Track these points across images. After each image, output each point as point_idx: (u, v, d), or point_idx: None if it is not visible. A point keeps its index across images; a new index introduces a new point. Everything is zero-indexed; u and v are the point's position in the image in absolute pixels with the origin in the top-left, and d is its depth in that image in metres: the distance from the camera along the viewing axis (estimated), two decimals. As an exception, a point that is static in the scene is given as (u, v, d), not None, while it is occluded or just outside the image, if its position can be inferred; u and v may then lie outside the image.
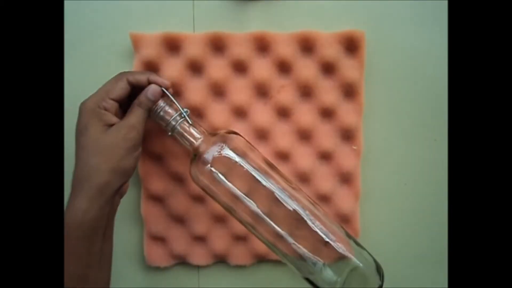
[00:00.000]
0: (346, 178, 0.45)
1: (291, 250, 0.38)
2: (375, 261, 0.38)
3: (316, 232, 0.38)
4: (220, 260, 0.46)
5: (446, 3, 0.43)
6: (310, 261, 0.37)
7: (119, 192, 0.38)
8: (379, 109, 0.46)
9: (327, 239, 0.38)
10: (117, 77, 0.38)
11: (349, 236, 0.39)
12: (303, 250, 0.37)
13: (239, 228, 0.45)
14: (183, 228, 0.46)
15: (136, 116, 0.37)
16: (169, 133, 0.39)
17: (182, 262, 0.46)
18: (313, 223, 0.38)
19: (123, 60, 0.44)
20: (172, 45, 0.43)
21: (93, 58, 0.45)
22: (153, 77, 0.38)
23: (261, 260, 0.46)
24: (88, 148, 0.35)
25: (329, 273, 0.37)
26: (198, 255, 0.46)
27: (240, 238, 0.45)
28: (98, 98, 0.36)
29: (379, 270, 0.37)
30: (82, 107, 0.36)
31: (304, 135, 0.45)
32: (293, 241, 0.38)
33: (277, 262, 0.46)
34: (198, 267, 0.47)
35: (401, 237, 0.45)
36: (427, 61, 0.45)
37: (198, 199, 0.45)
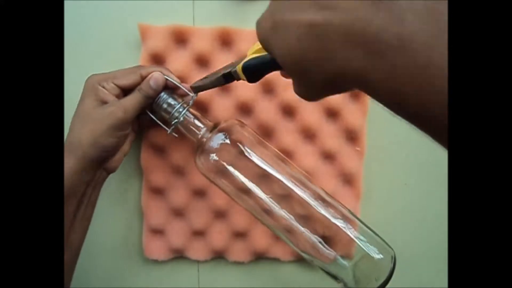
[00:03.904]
0: (348, 179, 0.45)
1: (302, 239, 0.37)
2: (387, 244, 0.38)
3: (326, 219, 0.37)
4: (219, 256, 0.46)
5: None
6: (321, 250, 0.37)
7: (104, 167, 0.39)
8: (384, 110, 0.45)
9: (341, 225, 0.37)
10: (132, 69, 0.38)
11: (359, 220, 0.39)
12: (313, 239, 0.37)
13: (239, 224, 0.44)
14: (183, 222, 0.46)
15: (131, 98, 0.37)
16: (173, 122, 0.39)
17: (180, 256, 0.46)
18: (322, 209, 0.37)
19: (130, 51, 0.44)
20: (180, 38, 0.43)
21: (100, 49, 0.45)
22: (166, 71, 0.39)
23: (259, 257, 0.46)
24: (79, 118, 0.37)
25: (340, 259, 0.36)
26: (197, 250, 0.46)
27: (239, 235, 0.45)
28: (102, 78, 0.37)
29: (392, 256, 0.37)
30: (86, 81, 0.38)
31: (308, 134, 0.45)
32: (303, 230, 0.37)
33: (275, 260, 0.46)
34: (197, 262, 0.47)
35: (402, 237, 0.45)
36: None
37: (198, 193, 0.45)
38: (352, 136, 0.45)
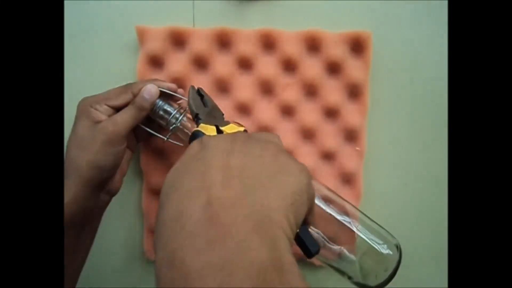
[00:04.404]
0: (348, 179, 0.45)
1: None
2: (390, 234, 0.38)
3: (330, 215, 0.37)
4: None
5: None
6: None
7: (106, 190, 0.38)
8: (383, 110, 0.45)
9: (345, 220, 0.37)
10: (123, 89, 0.38)
11: (361, 213, 0.39)
12: (317, 236, 0.37)
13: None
14: (183, 223, 0.46)
15: (122, 112, 0.37)
16: (171, 128, 0.39)
17: (181, 257, 0.46)
18: (324, 206, 0.37)
19: (129, 54, 0.44)
20: (178, 39, 0.43)
21: (97, 52, 0.45)
22: (158, 82, 0.38)
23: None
24: (73, 142, 0.36)
25: (346, 254, 0.36)
26: (198, 251, 0.46)
27: (240, 235, 0.45)
28: (93, 101, 0.36)
29: (396, 246, 0.37)
30: (78, 105, 0.37)
31: (308, 134, 0.45)
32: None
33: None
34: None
35: (402, 237, 0.45)
36: (432, 63, 0.45)
37: (199, 195, 0.45)
38: (352, 136, 0.45)
